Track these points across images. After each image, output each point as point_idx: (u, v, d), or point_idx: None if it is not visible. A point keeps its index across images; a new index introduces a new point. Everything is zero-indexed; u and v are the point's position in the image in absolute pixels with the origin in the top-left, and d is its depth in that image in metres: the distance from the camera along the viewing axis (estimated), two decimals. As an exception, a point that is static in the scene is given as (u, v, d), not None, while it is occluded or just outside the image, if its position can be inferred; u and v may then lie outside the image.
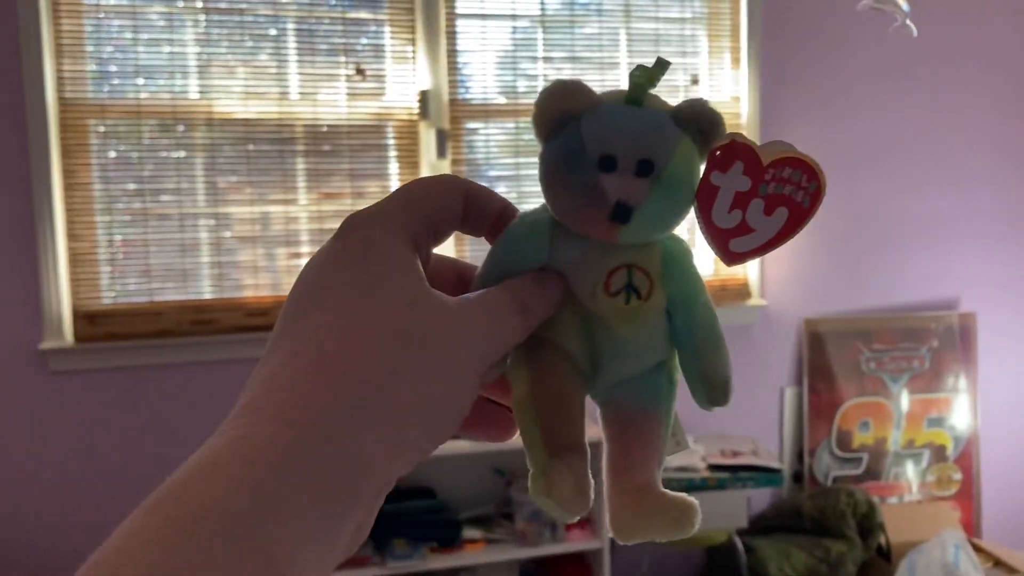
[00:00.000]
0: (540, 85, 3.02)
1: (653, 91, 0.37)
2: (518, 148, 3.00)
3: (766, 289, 3.28)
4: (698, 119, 0.36)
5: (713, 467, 2.90)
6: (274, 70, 2.78)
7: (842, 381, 3.33)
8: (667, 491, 0.38)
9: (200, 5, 2.73)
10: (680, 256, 0.38)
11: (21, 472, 2.66)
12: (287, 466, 0.27)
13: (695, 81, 3.14)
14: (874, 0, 2.23)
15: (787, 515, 3.12)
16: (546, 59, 3.01)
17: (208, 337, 2.69)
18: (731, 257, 0.38)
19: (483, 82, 2.99)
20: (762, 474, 2.91)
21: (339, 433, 0.29)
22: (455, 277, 0.39)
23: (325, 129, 2.80)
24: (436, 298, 0.33)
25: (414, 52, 2.85)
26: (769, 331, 3.30)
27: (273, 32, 2.79)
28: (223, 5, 2.74)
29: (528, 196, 3.00)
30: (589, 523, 2.80)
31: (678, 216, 0.37)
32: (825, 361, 3.34)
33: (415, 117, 2.85)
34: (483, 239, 0.40)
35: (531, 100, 2.92)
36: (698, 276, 0.39)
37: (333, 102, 2.81)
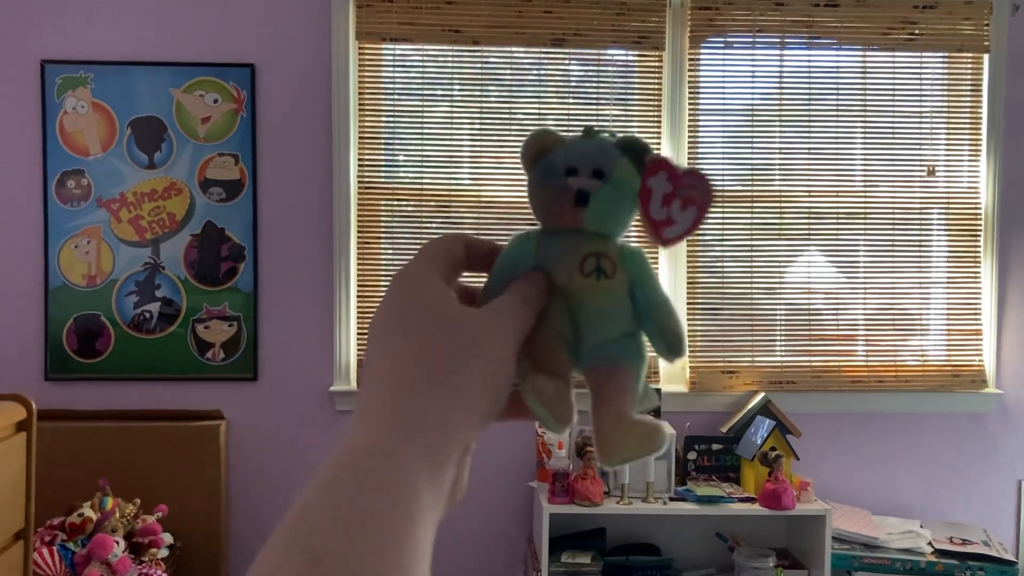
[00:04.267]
0: (776, 174, 3.22)
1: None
2: (752, 230, 3.20)
3: (1003, 377, 3.25)
4: (633, 145, 0.50)
5: (940, 552, 2.91)
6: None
7: (1088, 479, 3.22)
8: (638, 417, 0.48)
9: (475, 106, 3.17)
10: (634, 250, 0.50)
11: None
12: (397, 436, 0.39)
13: (931, 172, 3.22)
14: None
15: (1021, 612, 3.04)
16: (782, 150, 3.21)
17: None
18: (665, 242, 0.49)
19: (720, 170, 3.23)
20: (994, 565, 2.88)
21: (425, 408, 0.40)
22: (470, 299, 0.50)
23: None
24: (468, 310, 0.45)
25: (659, 143, 3.15)
26: (1005, 420, 3.26)
27: (535, 128, 3.18)
28: (494, 106, 3.17)
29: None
30: (809, 594, 2.89)
31: (624, 207, 0.49)
32: (1068, 457, 3.24)
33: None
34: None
35: (765, 187, 3.14)
36: (650, 266, 0.50)
37: (585, 187, 3.15)
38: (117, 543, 2.59)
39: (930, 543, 2.96)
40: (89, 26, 3.09)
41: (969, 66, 3.23)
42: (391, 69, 3.18)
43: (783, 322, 3.22)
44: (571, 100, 3.21)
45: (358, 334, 3.14)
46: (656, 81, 3.18)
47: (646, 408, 0.50)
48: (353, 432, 0.40)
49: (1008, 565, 2.88)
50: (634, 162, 0.49)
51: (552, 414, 0.47)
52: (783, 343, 3.23)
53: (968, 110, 3.24)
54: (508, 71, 3.22)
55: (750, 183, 3.22)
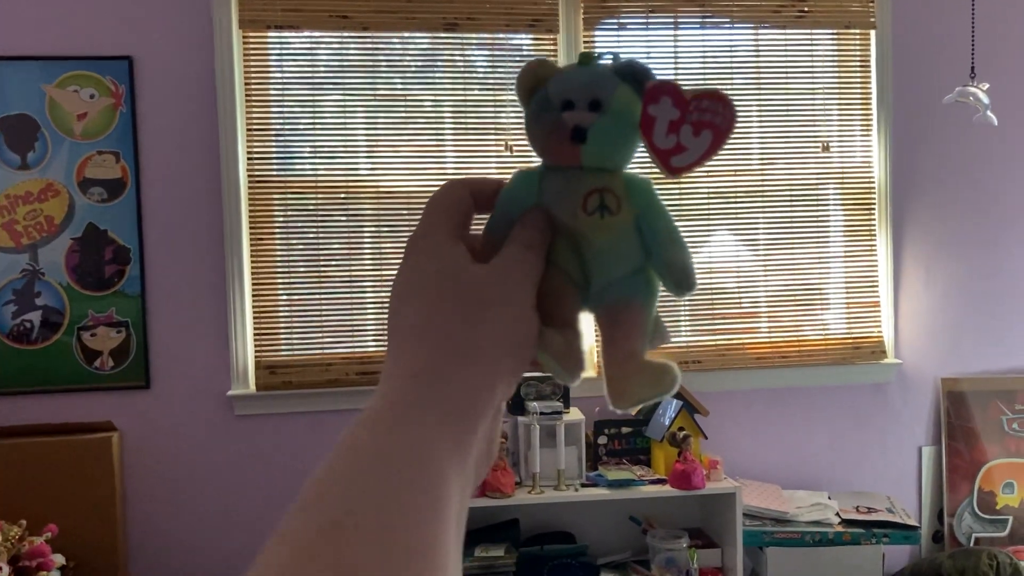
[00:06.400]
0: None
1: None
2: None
3: (901, 348, 3.33)
4: (631, 70, 0.47)
5: (847, 522, 2.96)
6: (433, 148, 3.09)
7: (983, 441, 3.32)
8: (649, 358, 0.47)
9: (369, 94, 3.08)
10: (640, 182, 0.48)
11: (206, 500, 3.01)
12: (419, 403, 0.39)
13: (826, 148, 3.26)
14: (958, 94, 2.33)
15: (926, 575, 3.12)
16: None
17: (372, 387, 2.96)
18: (673, 171, 0.47)
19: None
20: (898, 531, 2.94)
21: (446, 373, 0.40)
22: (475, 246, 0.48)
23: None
24: (479, 268, 0.44)
25: (557, 128, 3.10)
26: (904, 390, 3.33)
27: (432, 115, 3.11)
28: (389, 93, 3.09)
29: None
30: (722, 572, 2.90)
31: (625, 139, 0.47)
32: (965, 421, 3.33)
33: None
34: None
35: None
36: (657, 197, 0.48)
37: (486, 175, 3.09)
38: (0, 569, 2.44)
39: (838, 513, 3.00)
40: (-52, 19, 2.89)
41: (857, 43, 3.28)
42: (278, 58, 3.06)
43: (687, 302, 3.23)
44: (467, 85, 3.14)
45: (254, 335, 3.02)
46: (552, 64, 3.13)
47: (657, 344, 0.48)
48: (374, 400, 0.40)
49: (911, 530, 2.95)
50: (635, 88, 0.46)
51: (563, 366, 0.46)
52: (688, 323, 3.24)
53: (858, 86, 3.29)
54: (401, 57, 3.14)
55: (648, 164, 3.20)
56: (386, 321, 0.44)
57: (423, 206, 0.46)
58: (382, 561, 0.32)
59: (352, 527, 0.33)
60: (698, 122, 0.46)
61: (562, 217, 0.46)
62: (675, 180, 0.44)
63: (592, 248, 0.47)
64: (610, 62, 0.48)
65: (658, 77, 0.46)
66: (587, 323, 0.49)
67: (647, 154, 0.47)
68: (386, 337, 0.44)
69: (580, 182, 0.47)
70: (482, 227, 0.48)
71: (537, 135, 0.48)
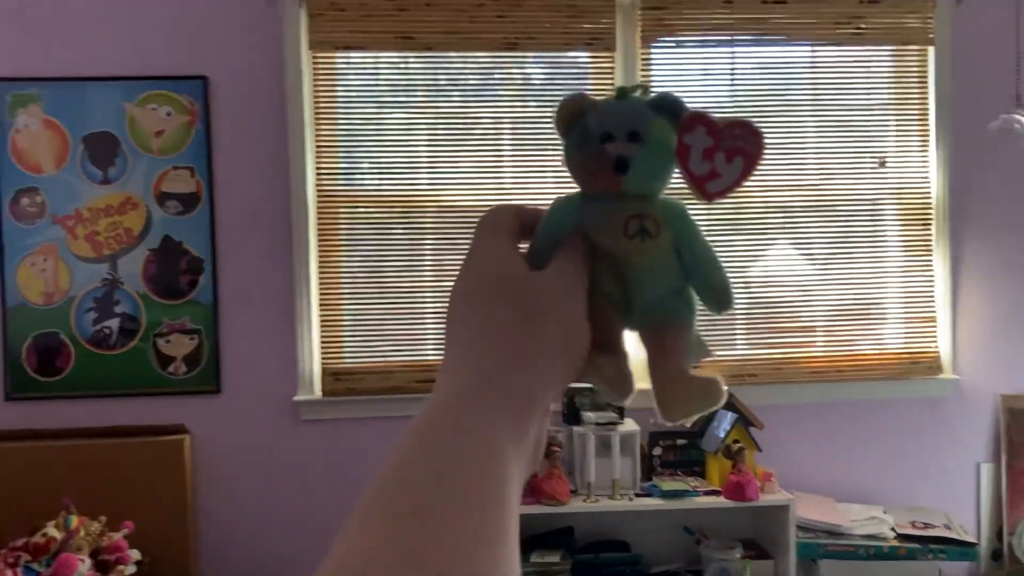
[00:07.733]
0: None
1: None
2: (710, 226, 3.23)
3: (959, 364, 3.31)
4: (666, 103, 0.50)
5: (903, 536, 2.96)
6: (492, 163, 3.18)
7: (1044, 459, 3.28)
8: (696, 373, 0.50)
9: (431, 112, 3.18)
10: (677, 207, 0.51)
11: (273, 501, 3.12)
12: (483, 398, 0.41)
13: (883, 163, 3.27)
14: (1003, 123, 2.34)
15: (983, 592, 3.10)
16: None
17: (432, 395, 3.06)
18: (709, 196, 0.50)
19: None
20: (955, 547, 2.93)
21: (507, 371, 0.43)
22: None
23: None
24: (539, 274, 0.47)
25: (614, 144, 3.17)
26: (962, 406, 3.31)
27: (491, 131, 3.20)
28: (450, 111, 3.19)
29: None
30: (776, 584, 2.93)
31: (664, 168, 0.50)
32: (1025, 438, 3.30)
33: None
34: None
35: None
36: (693, 221, 0.51)
37: (541, 190, 3.17)
38: (82, 561, 2.57)
39: (893, 528, 3.00)
40: (39, 42, 3.06)
41: (915, 58, 3.29)
42: (346, 77, 3.18)
43: (743, 316, 3.26)
44: (526, 103, 3.22)
45: (321, 343, 3.14)
46: (609, 82, 3.21)
47: (700, 358, 0.52)
48: (439, 394, 0.42)
49: (969, 547, 2.93)
50: (670, 119, 0.50)
51: (615, 390, 0.50)
52: (744, 337, 3.27)
53: (916, 102, 3.30)
54: (463, 76, 3.23)
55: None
56: (445, 322, 0.47)
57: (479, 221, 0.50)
58: (453, 549, 0.34)
59: (427, 516, 0.35)
60: (731, 149, 0.49)
61: (604, 242, 0.49)
62: (712, 204, 0.49)
63: (634, 271, 0.49)
64: (643, 95, 0.51)
65: (690, 108, 0.50)
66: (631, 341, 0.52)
67: (683, 181, 0.50)
68: (445, 334, 0.47)
69: (620, 209, 0.49)
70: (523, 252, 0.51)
71: (578, 165, 0.50)
